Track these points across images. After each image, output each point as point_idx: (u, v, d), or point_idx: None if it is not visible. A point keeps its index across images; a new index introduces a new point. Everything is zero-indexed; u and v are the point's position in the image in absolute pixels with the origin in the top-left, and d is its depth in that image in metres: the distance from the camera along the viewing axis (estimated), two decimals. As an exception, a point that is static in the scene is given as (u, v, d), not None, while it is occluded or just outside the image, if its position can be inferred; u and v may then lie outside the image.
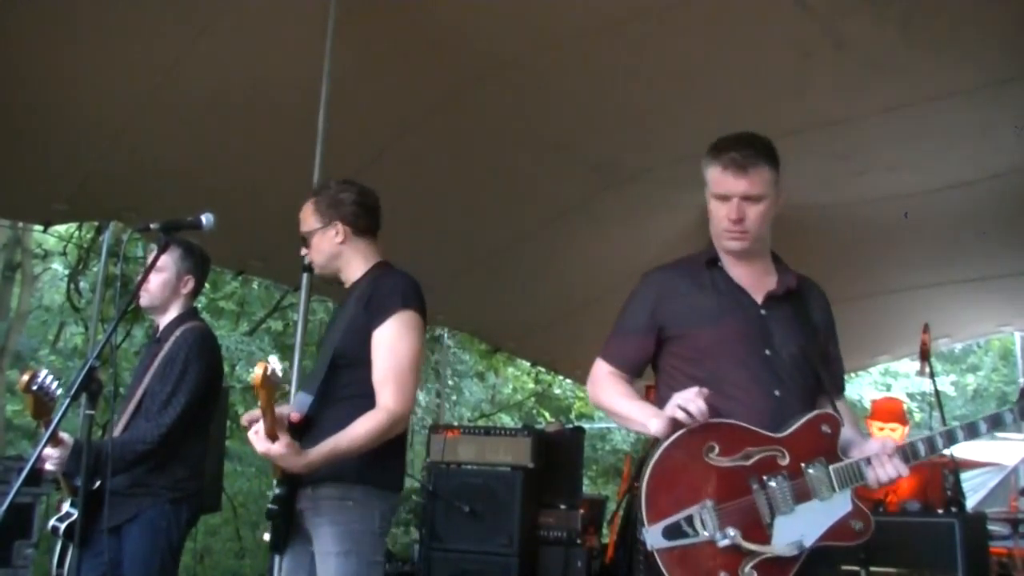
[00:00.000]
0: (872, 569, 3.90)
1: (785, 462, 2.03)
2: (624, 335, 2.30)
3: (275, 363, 2.32)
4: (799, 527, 1.99)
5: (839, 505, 2.03)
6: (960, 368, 20.57)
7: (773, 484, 2.01)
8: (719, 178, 2.17)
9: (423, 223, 5.80)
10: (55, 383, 2.64)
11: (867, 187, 5.48)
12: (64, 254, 10.93)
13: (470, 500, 5.27)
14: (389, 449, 2.57)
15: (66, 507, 3.03)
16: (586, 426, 7.33)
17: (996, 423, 2.07)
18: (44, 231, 7.10)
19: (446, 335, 10.24)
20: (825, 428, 2.08)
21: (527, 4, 4.04)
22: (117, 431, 3.07)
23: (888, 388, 16.70)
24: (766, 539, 1.97)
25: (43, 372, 2.63)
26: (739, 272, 2.24)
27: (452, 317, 8.00)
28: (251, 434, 2.40)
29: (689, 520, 1.97)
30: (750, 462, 2.02)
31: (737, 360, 2.14)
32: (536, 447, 5.41)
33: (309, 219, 2.79)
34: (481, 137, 5.09)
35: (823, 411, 2.09)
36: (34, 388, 2.59)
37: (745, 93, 4.47)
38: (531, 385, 16.50)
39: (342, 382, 2.58)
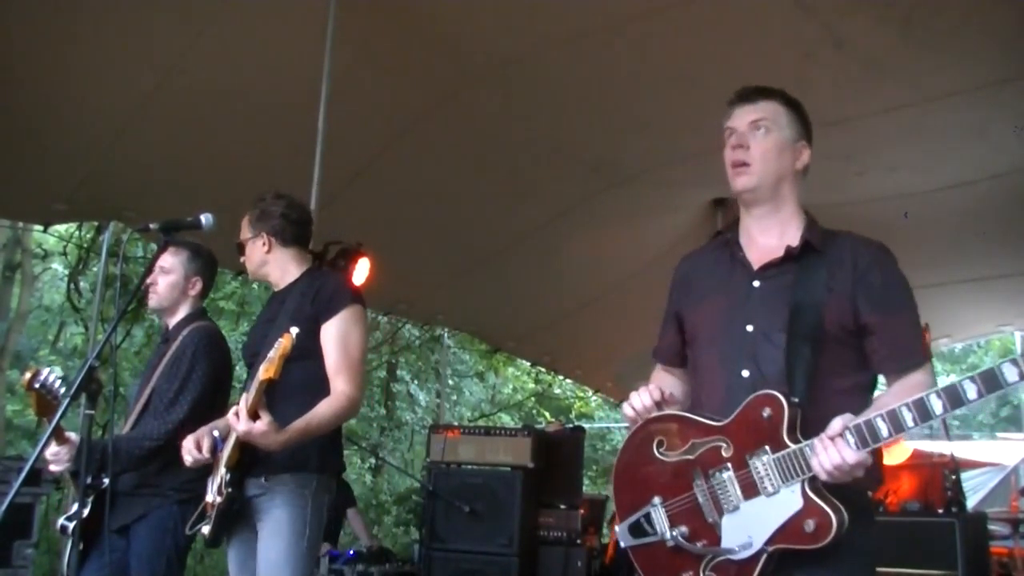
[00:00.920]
0: (872, 569, 3.89)
1: (729, 453, 1.82)
2: (660, 329, 2.24)
3: (296, 336, 2.44)
4: (747, 526, 1.77)
5: (787, 502, 1.73)
6: (960, 368, 20.56)
7: (716, 479, 1.82)
8: (728, 115, 2.08)
9: (423, 223, 5.81)
10: (58, 381, 2.65)
11: (867, 187, 5.48)
12: (64, 254, 10.93)
13: (470, 500, 5.27)
14: (335, 437, 2.76)
15: (75, 506, 3.04)
16: (586, 426, 7.33)
17: (989, 384, 1.57)
18: (44, 231, 7.10)
19: (446, 335, 10.23)
20: (766, 412, 1.78)
21: (527, 4, 4.04)
22: (125, 430, 3.08)
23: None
24: (716, 539, 1.80)
25: (46, 371, 2.65)
26: (752, 239, 2.04)
27: (452, 317, 8.00)
28: (231, 416, 2.46)
29: (648, 518, 1.91)
30: (695, 455, 1.86)
31: (711, 339, 2.00)
32: (536, 447, 5.41)
33: (243, 229, 2.95)
34: (481, 137, 5.09)
35: (764, 392, 1.79)
36: (36, 386, 2.61)
37: (745, 93, 4.46)
38: (531, 385, 16.50)
39: (288, 376, 2.63)
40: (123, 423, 3.17)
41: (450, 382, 14.32)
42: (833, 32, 3.96)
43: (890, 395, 1.85)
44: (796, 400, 1.78)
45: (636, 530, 1.93)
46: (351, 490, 7.04)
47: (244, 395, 2.47)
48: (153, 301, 3.26)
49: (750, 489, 1.78)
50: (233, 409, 2.46)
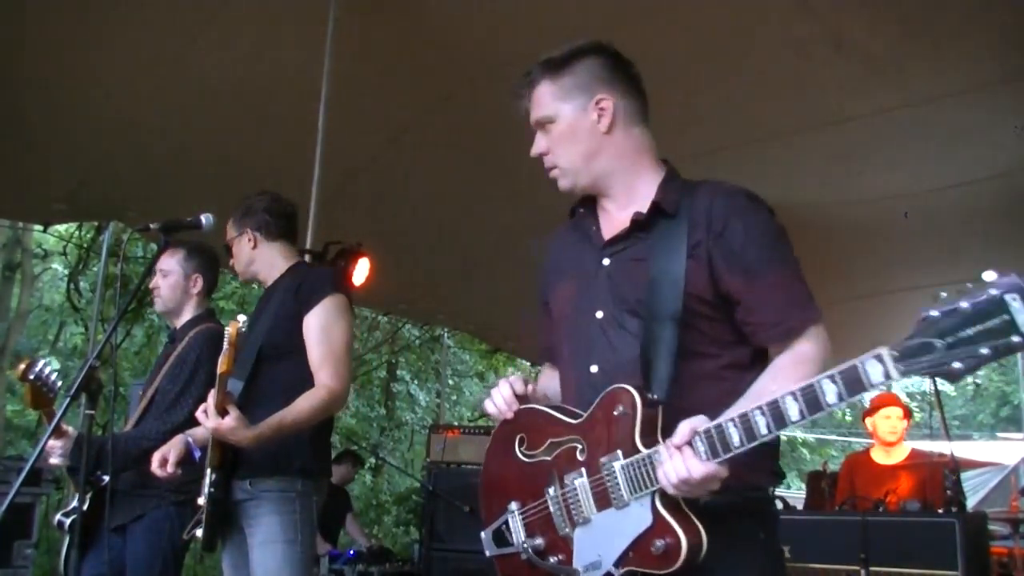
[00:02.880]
0: (872, 569, 3.89)
1: (584, 456, 1.56)
2: (537, 324, 1.96)
3: (243, 324, 2.42)
4: (597, 543, 1.51)
5: (638, 517, 1.46)
6: (960, 368, 20.51)
7: (570, 485, 1.57)
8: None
9: (423, 223, 5.81)
10: (53, 373, 2.65)
11: (867, 187, 5.48)
12: (64, 254, 10.93)
13: (470, 500, 5.26)
14: (320, 436, 2.69)
15: (74, 503, 3.04)
16: (586, 426, 7.33)
17: (851, 386, 1.27)
18: (44, 231, 7.10)
19: (446, 335, 10.23)
20: (619, 409, 1.50)
21: (527, 4, 4.05)
22: (127, 429, 3.09)
23: (888, 388, 16.73)
24: (569, 555, 1.56)
25: (40, 362, 2.66)
26: (606, 210, 1.77)
27: (452, 317, 8.00)
28: (199, 413, 2.43)
29: (507, 525, 1.68)
30: (551, 456, 1.62)
31: (566, 332, 1.76)
32: (536, 447, 5.41)
33: (228, 230, 2.92)
34: (481, 137, 5.09)
35: (618, 386, 1.52)
36: (31, 377, 2.61)
37: (745, 93, 4.47)
38: (531, 385, 16.49)
39: (271, 375, 2.64)
40: (123, 423, 3.18)
41: (450, 382, 14.33)
42: (833, 32, 3.96)
43: (769, 375, 1.55)
44: (655, 396, 1.51)
45: (499, 538, 1.70)
46: (348, 496, 7.05)
47: (211, 392, 2.43)
48: (158, 305, 3.27)
49: (602, 499, 1.52)
50: (201, 407, 2.43)
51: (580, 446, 1.57)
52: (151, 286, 3.22)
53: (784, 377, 1.46)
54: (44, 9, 3.79)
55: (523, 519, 1.65)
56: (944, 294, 1.22)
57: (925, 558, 3.94)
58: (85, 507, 2.72)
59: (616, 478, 1.49)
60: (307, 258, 4.03)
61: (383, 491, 13.30)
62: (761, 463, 1.59)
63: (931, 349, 1.20)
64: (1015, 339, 1.14)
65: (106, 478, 2.84)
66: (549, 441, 1.63)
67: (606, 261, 1.70)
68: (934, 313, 1.20)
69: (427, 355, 14.21)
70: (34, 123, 4.40)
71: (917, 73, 4.23)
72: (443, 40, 4.28)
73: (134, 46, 4.07)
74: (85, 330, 10.22)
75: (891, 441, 4.76)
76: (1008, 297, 1.15)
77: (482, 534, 1.74)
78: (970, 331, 1.17)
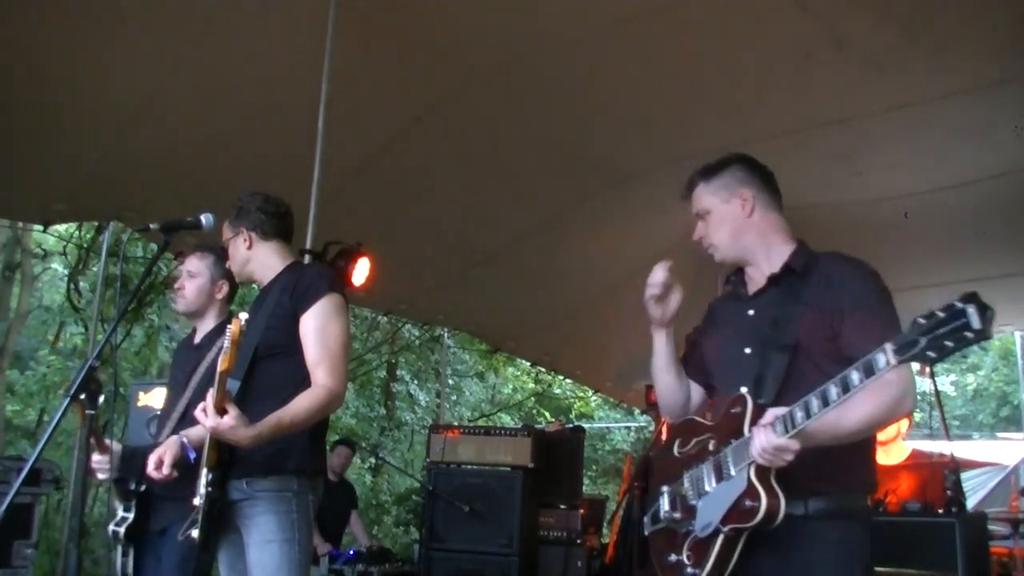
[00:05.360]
0: (872, 569, 3.89)
1: (713, 446, 2.10)
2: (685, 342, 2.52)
3: (244, 321, 2.43)
4: (711, 508, 2.03)
5: (737, 483, 1.97)
6: (960, 368, 20.55)
7: (699, 468, 2.11)
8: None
9: (423, 223, 5.81)
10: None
11: (867, 187, 5.48)
12: (64, 254, 10.92)
13: (470, 500, 5.28)
14: (316, 435, 2.68)
15: (120, 512, 3.05)
16: (586, 426, 7.33)
17: (868, 370, 1.76)
18: (44, 231, 7.09)
19: (446, 335, 10.22)
20: (735, 409, 2.07)
21: (527, 4, 4.05)
22: (163, 436, 3.07)
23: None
24: (693, 520, 2.08)
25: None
26: (751, 277, 2.33)
27: (452, 317, 8.00)
28: (198, 412, 2.42)
29: (660, 506, 2.21)
30: (695, 451, 2.16)
31: (717, 363, 2.31)
32: (536, 447, 5.41)
33: (224, 231, 2.91)
34: (481, 137, 5.09)
35: (737, 394, 2.09)
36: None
37: (745, 93, 4.47)
38: (531, 385, 16.52)
39: (267, 374, 2.64)
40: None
41: (450, 382, 14.33)
42: (833, 32, 3.97)
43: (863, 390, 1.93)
44: (762, 401, 2.03)
45: (654, 517, 2.22)
46: (354, 492, 7.04)
47: (210, 391, 2.42)
48: (180, 305, 3.28)
49: (718, 475, 2.04)
50: (200, 406, 2.42)
51: (713, 440, 2.11)
52: (176, 286, 3.24)
53: (868, 391, 1.82)
54: (44, 9, 3.79)
55: (668, 498, 2.17)
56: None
57: (925, 558, 3.94)
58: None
59: (728, 457, 2.01)
60: (307, 258, 4.04)
61: (383, 491, 13.30)
62: (856, 468, 2.10)
63: (916, 344, 1.65)
64: (969, 334, 1.59)
65: (143, 486, 2.91)
66: (694, 440, 2.17)
67: (751, 312, 2.24)
68: (921, 320, 1.64)
69: (427, 355, 14.21)
70: (34, 123, 4.40)
71: (917, 73, 4.23)
72: (443, 40, 4.28)
73: (134, 46, 4.07)
74: (85, 330, 10.21)
75: (889, 438, 4.77)
76: (968, 307, 1.58)
77: (644, 518, 2.28)
78: (942, 330, 1.61)
